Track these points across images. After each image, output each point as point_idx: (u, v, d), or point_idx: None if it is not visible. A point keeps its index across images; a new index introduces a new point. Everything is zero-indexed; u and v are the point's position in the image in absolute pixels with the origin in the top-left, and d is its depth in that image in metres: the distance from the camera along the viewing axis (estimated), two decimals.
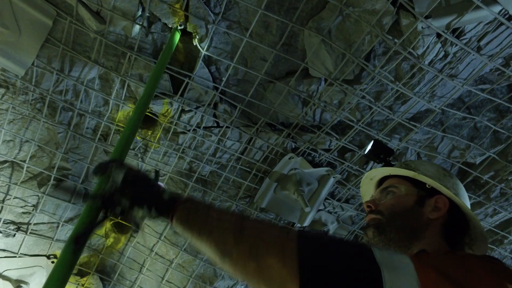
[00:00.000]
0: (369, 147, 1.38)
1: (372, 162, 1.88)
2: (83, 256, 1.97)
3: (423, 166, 0.99)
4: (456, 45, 1.41)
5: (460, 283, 0.58)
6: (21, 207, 1.73)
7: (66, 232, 1.87)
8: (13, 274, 1.79)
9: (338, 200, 1.99)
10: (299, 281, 0.58)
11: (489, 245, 2.25)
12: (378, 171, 1.08)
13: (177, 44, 1.51)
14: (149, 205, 0.78)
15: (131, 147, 1.79)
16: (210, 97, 1.61)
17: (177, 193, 0.84)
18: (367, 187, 1.15)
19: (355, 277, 0.59)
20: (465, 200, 0.94)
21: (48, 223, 1.82)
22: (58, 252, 1.89)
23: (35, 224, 1.78)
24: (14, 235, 1.77)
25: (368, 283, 0.58)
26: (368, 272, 0.59)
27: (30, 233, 1.78)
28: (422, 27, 1.33)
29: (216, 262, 0.70)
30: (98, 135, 1.68)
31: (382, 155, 1.34)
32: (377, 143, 1.38)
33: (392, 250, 0.79)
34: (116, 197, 0.78)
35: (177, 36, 1.40)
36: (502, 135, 1.85)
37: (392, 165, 1.10)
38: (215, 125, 1.75)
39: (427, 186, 0.94)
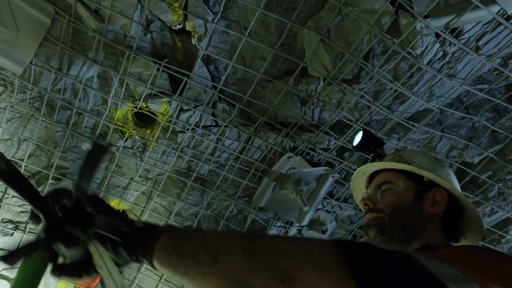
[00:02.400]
0: (358, 138, 1.32)
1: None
2: None
3: (417, 158, 0.95)
4: (455, 45, 1.41)
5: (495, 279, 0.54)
6: (19, 206, 1.73)
7: None
8: (11, 274, 1.79)
9: (337, 200, 1.99)
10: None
11: (486, 244, 2.26)
12: (373, 165, 1.03)
13: (177, 43, 1.51)
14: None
15: (130, 146, 1.78)
16: (209, 96, 1.61)
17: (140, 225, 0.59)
18: (359, 181, 1.11)
19: None
20: (459, 188, 0.93)
21: None
22: None
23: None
24: (12, 234, 1.76)
25: None
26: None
27: (28, 232, 1.78)
28: (421, 27, 1.33)
29: None
30: (97, 134, 1.68)
31: (373, 146, 1.29)
32: (366, 134, 1.32)
33: (394, 248, 0.74)
34: None
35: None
36: (500, 135, 1.85)
37: (383, 156, 1.06)
38: (214, 124, 1.75)
39: (425, 179, 0.91)
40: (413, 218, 0.86)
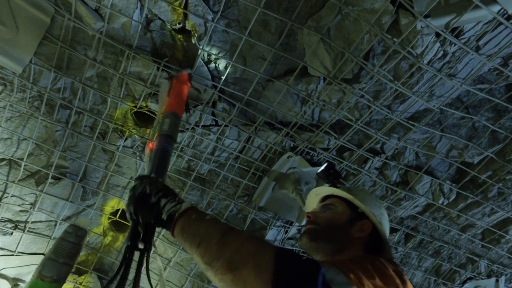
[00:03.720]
0: (322, 168, 1.57)
1: (370, 162, 1.88)
2: (82, 255, 1.96)
3: (361, 194, 1.15)
4: (455, 44, 1.41)
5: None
6: (19, 205, 1.73)
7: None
8: (11, 273, 1.79)
9: None
10: None
11: (486, 244, 2.26)
12: (324, 189, 1.25)
13: (176, 42, 1.51)
14: (152, 226, 0.90)
15: (130, 145, 1.78)
16: (208, 95, 1.61)
17: (175, 207, 0.87)
18: (312, 200, 1.31)
19: None
20: (385, 227, 1.13)
21: (46, 221, 1.82)
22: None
23: (32, 222, 1.78)
24: (11, 234, 1.76)
25: None
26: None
27: (28, 231, 1.77)
28: (421, 26, 1.33)
29: (203, 271, 0.78)
30: (96, 133, 1.67)
31: (331, 177, 1.54)
32: (329, 167, 1.59)
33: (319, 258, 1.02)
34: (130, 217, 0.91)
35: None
36: (500, 134, 1.85)
37: (337, 187, 1.24)
38: (214, 123, 1.75)
39: (359, 210, 1.11)
40: (340, 236, 1.05)
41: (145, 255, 0.89)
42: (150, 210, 0.89)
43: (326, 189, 1.25)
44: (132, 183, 1.84)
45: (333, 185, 1.47)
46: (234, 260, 0.72)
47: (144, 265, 0.90)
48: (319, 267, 0.71)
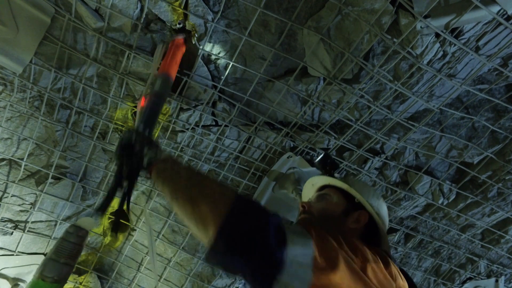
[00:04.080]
0: (319, 157, 1.54)
1: (370, 162, 1.88)
2: (81, 255, 1.96)
3: (357, 184, 1.12)
4: (455, 45, 1.41)
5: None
6: (19, 205, 1.73)
7: (64, 230, 1.87)
8: (11, 273, 1.79)
9: None
10: (217, 228, 0.73)
11: (486, 245, 2.26)
12: (320, 179, 1.24)
13: None
14: (134, 172, 1.03)
15: None
16: (209, 95, 1.61)
17: (155, 155, 1.02)
18: (308, 191, 1.29)
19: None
20: (384, 219, 1.10)
21: (46, 221, 1.82)
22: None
23: (32, 222, 1.78)
24: (11, 233, 1.76)
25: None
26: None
27: (28, 231, 1.78)
28: (421, 27, 1.33)
29: (171, 205, 0.88)
30: (97, 133, 1.68)
31: (328, 167, 1.50)
32: (326, 156, 1.55)
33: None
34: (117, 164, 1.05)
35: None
36: (500, 135, 1.86)
37: (334, 177, 1.21)
38: (214, 123, 1.75)
39: (355, 200, 1.08)
40: (335, 226, 1.02)
41: (128, 190, 1.05)
42: (134, 156, 1.02)
43: (322, 179, 1.22)
44: None
45: (330, 175, 1.43)
46: (194, 196, 0.81)
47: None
48: (269, 213, 0.77)
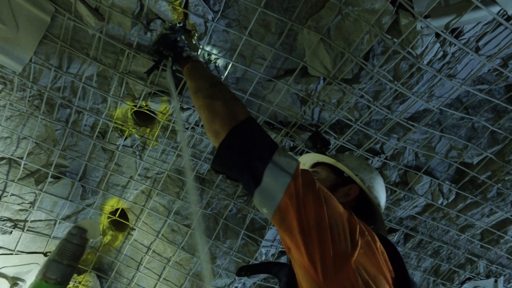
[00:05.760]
0: (309, 136, 1.51)
1: (370, 161, 1.88)
2: None
3: (348, 159, 1.11)
4: (455, 45, 1.41)
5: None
6: (18, 204, 1.73)
7: (63, 229, 1.87)
8: (10, 272, 1.79)
9: None
10: (230, 129, 0.85)
11: (485, 245, 2.27)
12: (309, 157, 1.23)
13: None
14: (173, 58, 1.29)
15: (129, 144, 1.78)
16: None
17: (192, 54, 1.26)
18: None
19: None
20: (377, 193, 1.06)
21: (45, 220, 1.82)
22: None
23: (32, 221, 1.78)
24: (11, 232, 1.76)
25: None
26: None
27: (27, 230, 1.77)
28: (421, 27, 1.33)
29: (192, 99, 1.05)
30: (96, 133, 1.67)
31: (319, 145, 1.46)
32: (316, 134, 1.51)
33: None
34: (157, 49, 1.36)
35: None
36: (500, 135, 1.86)
37: (325, 155, 1.19)
38: None
39: (344, 175, 1.07)
40: None
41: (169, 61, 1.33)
42: (175, 48, 1.29)
43: (311, 156, 1.21)
44: (132, 182, 1.85)
45: (321, 153, 1.43)
46: (214, 94, 0.96)
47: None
48: (276, 145, 0.84)
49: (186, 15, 1.41)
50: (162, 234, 1.94)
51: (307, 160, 1.24)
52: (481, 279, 2.42)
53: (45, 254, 1.86)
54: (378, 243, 0.80)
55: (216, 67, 1.59)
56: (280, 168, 0.78)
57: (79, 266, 1.96)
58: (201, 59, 1.30)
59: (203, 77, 1.07)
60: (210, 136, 0.90)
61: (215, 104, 0.91)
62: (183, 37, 1.37)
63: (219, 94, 0.96)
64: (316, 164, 1.20)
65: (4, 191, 1.69)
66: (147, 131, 1.76)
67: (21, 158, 1.65)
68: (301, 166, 1.25)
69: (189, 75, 1.12)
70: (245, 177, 0.80)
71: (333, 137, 1.74)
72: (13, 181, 1.67)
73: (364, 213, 1.01)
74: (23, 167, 1.67)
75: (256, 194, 0.77)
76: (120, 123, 1.70)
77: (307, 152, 1.81)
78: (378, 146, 1.87)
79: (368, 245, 0.76)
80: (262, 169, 0.77)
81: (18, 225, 1.77)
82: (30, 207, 1.75)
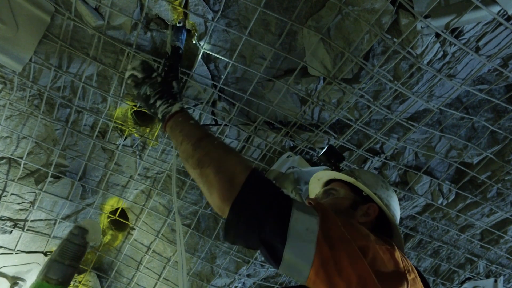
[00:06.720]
0: (323, 150, 1.51)
1: (369, 162, 1.88)
2: None
3: (364, 176, 1.09)
4: (455, 45, 1.41)
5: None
6: (18, 203, 1.73)
7: (63, 229, 1.87)
8: (10, 271, 1.79)
9: None
10: (231, 204, 0.77)
11: (485, 245, 2.27)
12: (325, 174, 1.21)
13: None
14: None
15: (129, 144, 1.78)
16: (208, 94, 1.61)
17: (167, 109, 1.08)
18: (314, 186, 1.26)
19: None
20: (395, 211, 1.06)
21: (45, 220, 1.82)
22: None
23: (32, 221, 1.78)
24: (10, 232, 1.76)
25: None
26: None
27: (27, 230, 1.77)
28: (421, 27, 1.33)
29: (183, 163, 0.96)
30: (96, 132, 1.67)
31: (333, 160, 1.46)
32: (331, 148, 1.50)
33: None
34: None
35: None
36: (500, 135, 1.86)
37: (339, 171, 1.17)
38: (214, 123, 1.75)
39: (363, 193, 1.05)
40: None
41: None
42: (149, 108, 1.13)
43: (327, 173, 1.19)
44: (132, 182, 1.85)
45: (336, 168, 1.39)
46: (202, 160, 0.87)
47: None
48: (290, 199, 0.79)
49: (186, 15, 1.41)
50: (162, 234, 1.94)
51: (322, 176, 1.21)
52: (480, 279, 2.42)
53: (45, 254, 1.86)
54: (416, 275, 0.80)
55: (216, 66, 1.59)
56: (300, 239, 0.70)
57: None
58: (180, 107, 1.09)
59: (185, 137, 0.96)
60: (215, 210, 0.83)
61: (206, 173, 0.83)
62: (153, 87, 1.15)
63: (206, 158, 0.86)
64: (331, 180, 1.17)
65: (4, 190, 1.69)
66: (147, 130, 1.76)
67: (21, 158, 1.65)
68: (316, 182, 1.26)
69: (172, 137, 1.04)
70: (263, 253, 0.74)
71: (333, 137, 1.74)
72: (13, 180, 1.67)
73: (382, 230, 1.00)
74: (23, 167, 1.67)
75: (281, 270, 0.71)
76: (120, 122, 1.70)
77: (304, 155, 1.81)
78: (378, 146, 1.87)
79: (413, 282, 0.76)
80: (280, 248, 0.70)
81: (18, 225, 1.77)
82: (30, 206, 1.75)
